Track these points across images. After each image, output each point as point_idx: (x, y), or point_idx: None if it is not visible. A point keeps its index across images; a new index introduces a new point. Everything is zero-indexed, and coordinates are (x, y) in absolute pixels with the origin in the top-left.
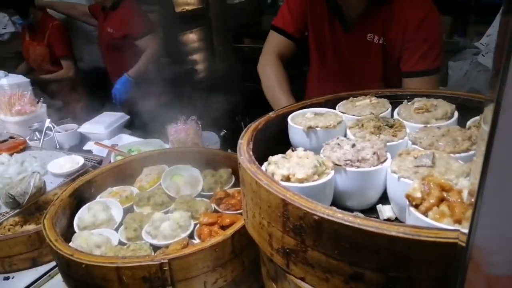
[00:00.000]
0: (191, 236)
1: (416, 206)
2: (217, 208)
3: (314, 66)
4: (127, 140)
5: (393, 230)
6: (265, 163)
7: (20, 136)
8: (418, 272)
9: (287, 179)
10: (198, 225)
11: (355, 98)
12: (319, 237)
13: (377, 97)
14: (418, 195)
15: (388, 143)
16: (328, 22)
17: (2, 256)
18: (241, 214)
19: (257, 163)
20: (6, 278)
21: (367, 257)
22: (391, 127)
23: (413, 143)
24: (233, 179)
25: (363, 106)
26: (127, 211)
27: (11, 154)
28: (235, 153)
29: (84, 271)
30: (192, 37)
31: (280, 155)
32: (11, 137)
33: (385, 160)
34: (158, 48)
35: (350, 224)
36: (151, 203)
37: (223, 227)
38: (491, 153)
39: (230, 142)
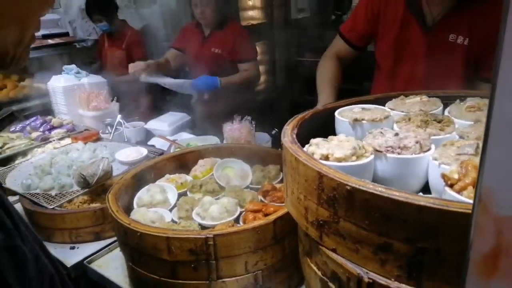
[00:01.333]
0: (236, 221)
1: (451, 186)
2: (263, 199)
3: (382, 73)
4: (186, 137)
5: (422, 200)
6: (307, 145)
7: (94, 129)
8: (446, 243)
9: (326, 158)
10: (244, 212)
11: (405, 97)
12: (351, 208)
13: (429, 96)
14: (455, 176)
15: (434, 137)
16: (403, 23)
17: (70, 228)
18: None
19: (298, 144)
20: (72, 248)
21: (395, 227)
22: (439, 122)
23: (460, 137)
24: (281, 175)
25: (413, 104)
26: (181, 196)
27: (85, 143)
28: None
29: (138, 239)
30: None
31: (321, 138)
32: (86, 129)
33: (428, 150)
34: (257, 77)
35: (381, 194)
36: (202, 190)
37: (267, 215)
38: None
39: (281, 142)
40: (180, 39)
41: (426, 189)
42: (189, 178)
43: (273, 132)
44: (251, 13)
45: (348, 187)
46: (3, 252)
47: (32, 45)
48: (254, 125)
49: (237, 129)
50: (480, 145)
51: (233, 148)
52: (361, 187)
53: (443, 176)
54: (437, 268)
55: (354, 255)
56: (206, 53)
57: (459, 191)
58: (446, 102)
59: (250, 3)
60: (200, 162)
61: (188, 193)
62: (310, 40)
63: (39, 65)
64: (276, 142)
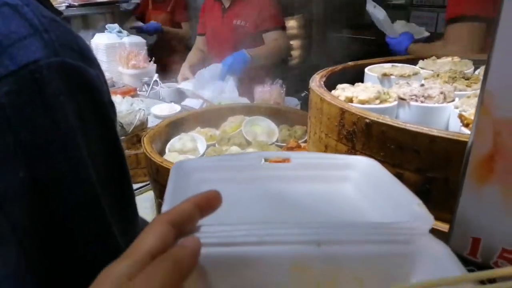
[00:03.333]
0: None
1: (467, 125)
2: None
3: None
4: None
5: (435, 131)
6: (333, 90)
7: (132, 86)
8: (454, 173)
9: (350, 100)
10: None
11: (437, 58)
12: (368, 140)
13: (462, 59)
14: (472, 117)
15: (460, 92)
16: None
17: None
18: None
19: (325, 88)
20: None
21: (408, 157)
22: (467, 79)
23: None
24: (306, 136)
25: (444, 63)
26: (210, 146)
27: (123, 97)
28: None
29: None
30: (292, 23)
31: (347, 84)
32: (124, 86)
33: (451, 101)
34: (287, 48)
35: (397, 125)
36: (230, 143)
37: None
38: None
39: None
40: (201, 23)
41: None
42: (218, 132)
43: (303, 94)
44: None
45: (368, 120)
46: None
47: (78, 3)
48: (284, 89)
49: (267, 91)
50: None
51: (262, 107)
52: (379, 120)
53: (460, 116)
54: (444, 197)
55: None
56: (227, 27)
57: None
58: (479, 66)
59: None
60: (230, 119)
61: (216, 145)
62: (349, 16)
63: (84, 23)
64: (305, 105)
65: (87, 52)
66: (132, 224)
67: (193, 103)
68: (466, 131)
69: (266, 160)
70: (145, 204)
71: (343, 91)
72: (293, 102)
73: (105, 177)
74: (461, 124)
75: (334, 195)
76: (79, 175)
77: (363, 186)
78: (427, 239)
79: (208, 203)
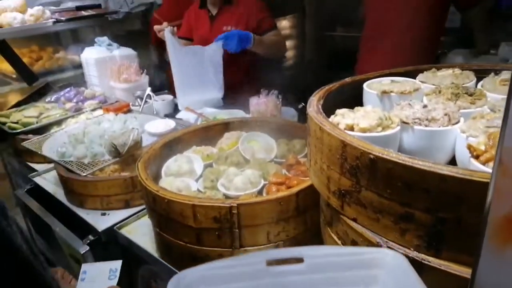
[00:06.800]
0: (260, 193)
1: (477, 157)
2: (287, 173)
3: None
4: (213, 110)
5: (445, 169)
6: (332, 116)
7: (124, 101)
8: (467, 213)
9: (351, 128)
10: (267, 184)
11: (437, 70)
12: (373, 176)
13: (463, 70)
14: (481, 147)
15: (464, 110)
16: None
17: (101, 195)
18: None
19: (324, 114)
20: (103, 214)
21: (418, 196)
22: (470, 95)
23: (491, 110)
24: (306, 150)
25: (445, 76)
26: (207, 167)
27: (116, 114)
28: None
29: (166, 206)
30: (284, 23)
31: (347, 109)
32: (117, 101)
33: (456, 123)
34: (284, 43)
35: (403, 163)
36: (228, 162)
37: (290, 188)
38: None
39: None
40: (184, 26)
41: (453, 163)
42: (215, 150)
43: (300, 106)
44: None
45: (372, 156)
46: None
47: (66, 17)
48: (280, 100)
49: (263, 103)
50: None
51: (258, 121)
52: (384, 156)
53: (469, 147)
54: (457, 238)
55: (375, 225)
56: (218, 33)
57: (484, 163)
58: (480, 76)
59: None
60: (226, 135)
61: (213, 164)
62: (342, 14)
63: (73, 37)
64: (302, 116)
65: None
66: None
67: (188, 116)
68: (477, 164)
69: (274, 262)
70: (143, 230)
71: (343, 117)
72: (290, 113)
73: None
74: (470, 155)
75: None
76: None
77: None
78: None
79: None
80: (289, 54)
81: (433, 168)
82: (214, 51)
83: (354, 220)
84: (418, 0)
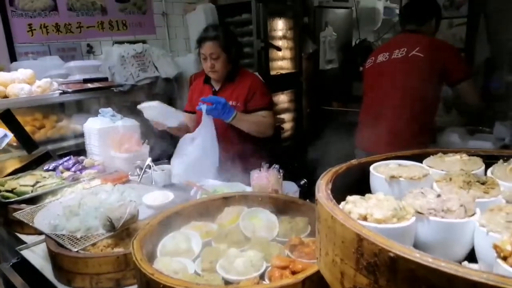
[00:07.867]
0: (261, 277)
1: (505, 258)
2: (290, 254)
3: None
4: (212, 183)
5: (474, 275)
6: (343, 203)
7: (123, 171)
8: None
9: (364, 218)
10: (269, 268)
11: (444, 154)
12: (394, 277)
13: (469, 155)
14: (508, 248)
15: (478, 199)
16: None
17: (91, 273)
18: (314, 263)
19: (334, 201)
20: None
21: None
22: (483, 183)
23: (508, 202)
24: (309, 228)
25: (453, 162)
26: (206, 244)
27: (114, 185)
28: (314, 203)
29: None
30: (283, 98)
31: (358, 196)
32: (116, 171)
33: (473, 215)
34: (271, 126)
35: (428, 265)
36: (228, 240)
37: (295, 273)
38: None
39: (309, 193)
40: (189, 102)
41: (471, 256)
42: (214, 226)
43: (302, 182)
44: (280, 63)
45: (391, 254)
46: None
47: (73, 89)
48: (282, 174)
49: (264, 177)
50: None
51: (260, 197)
52: (406, 255)
53: (495, 247)
54: None
55: None
56: None
57: None
58: (488, 162)
59: (280, 54)
60: (226, 210)
61: (212, 242)
62: (337, 90)
63: (78, 107)
64: (305, 193)
65: None
66: None
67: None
68: (506, 266)
69: None
70: None
71: (355, 206)
72: (292, 189)
73: None
74: (497, 256)
75: None
76: None
77: None
78: None
79: None
80: (287, 126)
81: (461, 273)
82: (206, 122)
83: None
84: (415, 79)
